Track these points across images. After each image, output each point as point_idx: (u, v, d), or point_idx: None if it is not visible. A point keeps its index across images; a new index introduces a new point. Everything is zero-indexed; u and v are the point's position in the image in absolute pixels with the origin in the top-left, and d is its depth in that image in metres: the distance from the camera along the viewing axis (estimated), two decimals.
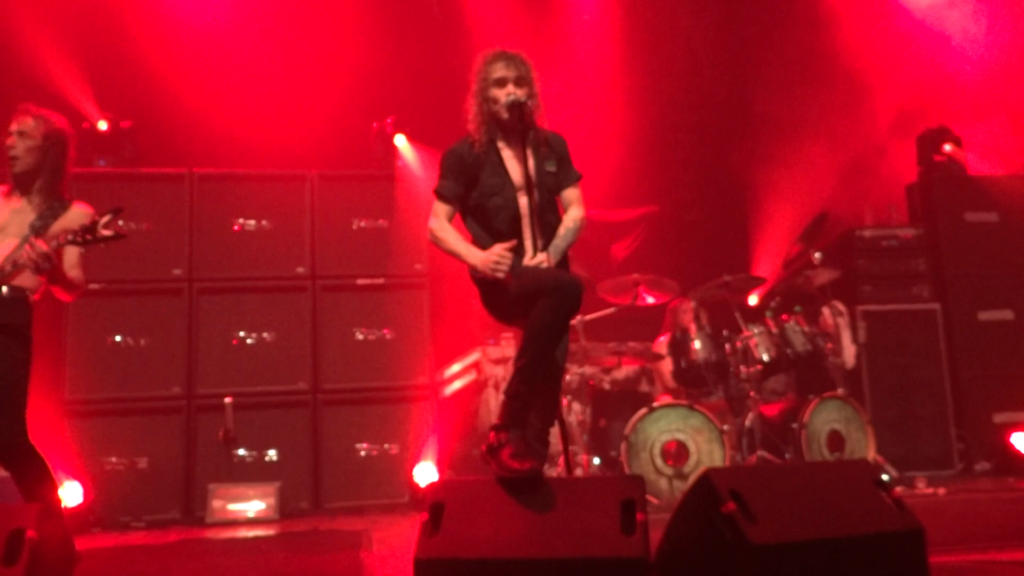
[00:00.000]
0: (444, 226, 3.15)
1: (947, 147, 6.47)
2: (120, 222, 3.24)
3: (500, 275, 2.96)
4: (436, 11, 7.02)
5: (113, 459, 5.19)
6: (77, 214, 3.31)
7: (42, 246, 3.07)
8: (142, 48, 6.21)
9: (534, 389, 2.85)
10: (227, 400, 5.31)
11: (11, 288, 3.15)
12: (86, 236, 3.14)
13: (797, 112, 7.01)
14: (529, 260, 3.04)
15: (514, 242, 3.02)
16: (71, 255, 3.28)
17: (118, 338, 5.34)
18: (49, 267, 3.09)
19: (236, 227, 5.66)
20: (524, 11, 6.99)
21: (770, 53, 7.11)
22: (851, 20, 7.08)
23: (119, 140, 5.69)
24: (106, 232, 3.16)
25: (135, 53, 6.16)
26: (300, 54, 6.54)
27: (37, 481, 3.14)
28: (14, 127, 3.32)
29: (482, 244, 3.11)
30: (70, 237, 3.15)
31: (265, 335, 5.55)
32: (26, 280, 3.19)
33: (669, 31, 7.22)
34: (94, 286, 5.02)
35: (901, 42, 7.15)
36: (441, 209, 3.17)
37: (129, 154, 5.71)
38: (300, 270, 5.66)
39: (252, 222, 5.70)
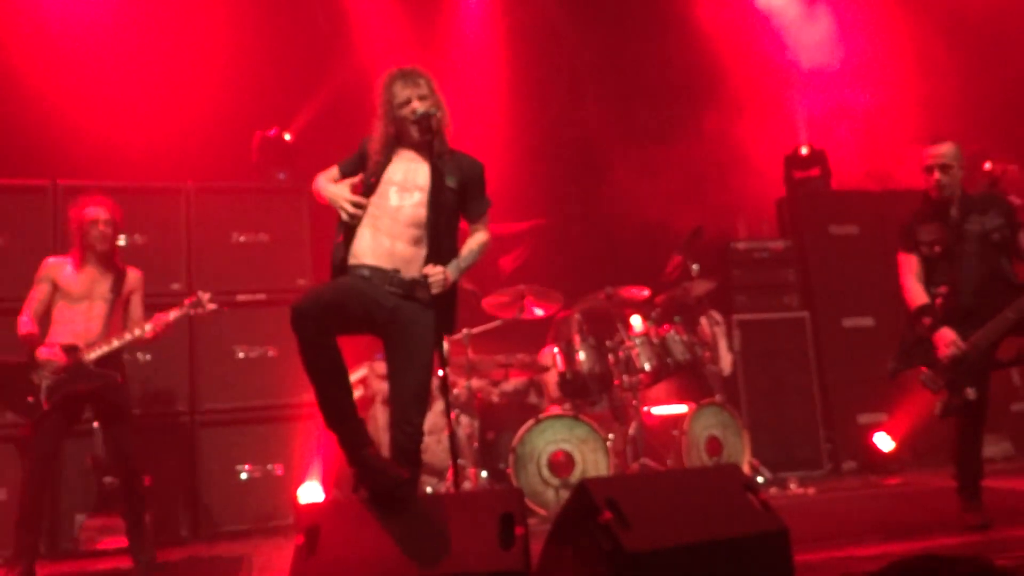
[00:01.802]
0: (324, 180, 3.22)
1: (804, 149, 6.85)
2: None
3: (347, 213, 3.04)
4: (322, 22, 6.91)
5: None
6: (134, 276, 4.21)
7: (168, 319, 4.05)
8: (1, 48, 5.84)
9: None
10: (96, 425, 5.00)
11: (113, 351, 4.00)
12: (197, 309, 4.12)
13: (677, 128, 7.28)
14: (430, 270, 3.00)
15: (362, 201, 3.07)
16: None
17: None
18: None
19: None
20: (409, 24, 6.97)
21: (652, 70, 7.35)
22: (729, 39, 7.41)
23: None
24: (212, 306, 4.14)
25: None
26: (177, 59, 6.27)
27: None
28: (107, 215, 4.09)
29: (349, 233, 3.11)
30: (184, 312, 4.09)
31: (139, 355, 5.29)
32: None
33: (553, 47, 7.36)
34: None
35: (775, 62, 7.54)
36: (332, 171, 3.27)
37: None
38: (176, 286, 5.41)
39: (123, 237, 5.42)
